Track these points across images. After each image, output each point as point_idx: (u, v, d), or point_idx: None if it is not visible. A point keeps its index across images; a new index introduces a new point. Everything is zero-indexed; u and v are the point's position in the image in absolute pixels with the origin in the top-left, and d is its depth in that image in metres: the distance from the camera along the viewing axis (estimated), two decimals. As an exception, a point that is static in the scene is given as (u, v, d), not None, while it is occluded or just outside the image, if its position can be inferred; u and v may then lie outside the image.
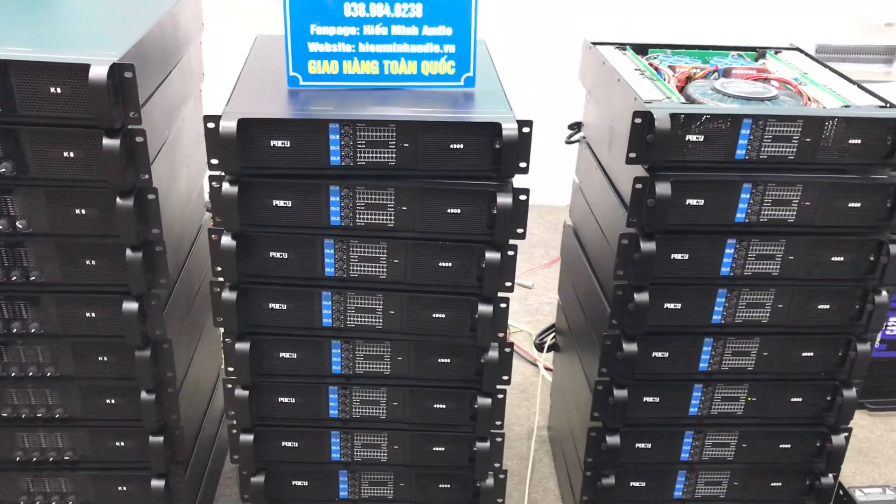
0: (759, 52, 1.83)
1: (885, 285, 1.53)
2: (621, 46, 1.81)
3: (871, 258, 1.52)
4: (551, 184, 2.88)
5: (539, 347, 2.44)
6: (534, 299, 2.96)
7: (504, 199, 1.37)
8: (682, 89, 1.62)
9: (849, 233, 1.51)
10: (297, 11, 1.41)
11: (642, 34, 3.03)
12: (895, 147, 1.45)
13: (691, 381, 1.62)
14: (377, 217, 1.41)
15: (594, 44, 1.81)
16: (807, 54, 1.81)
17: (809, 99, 1.58)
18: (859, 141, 1.45)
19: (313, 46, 1.43)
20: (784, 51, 1.84)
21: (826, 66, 1.73)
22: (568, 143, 1.97)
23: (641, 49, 1.81)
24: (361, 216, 1.41)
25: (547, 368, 2.42)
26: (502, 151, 1.35)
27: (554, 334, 2.20)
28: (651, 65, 1.72)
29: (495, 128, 1.35)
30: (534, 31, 3.38)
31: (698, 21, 3.36)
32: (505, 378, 1.55)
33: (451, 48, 1.46)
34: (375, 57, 1.45)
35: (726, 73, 1.71)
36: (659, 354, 1.59)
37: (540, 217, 3.40)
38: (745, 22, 3.35)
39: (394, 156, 1.37)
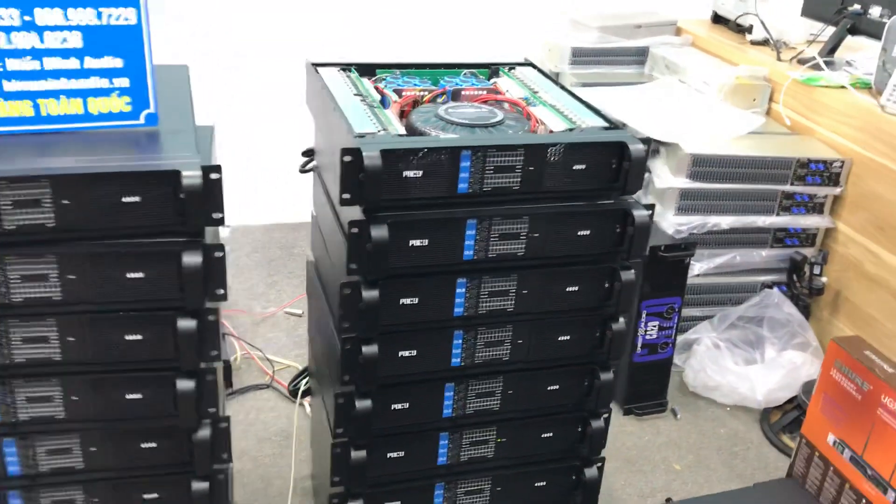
0: (493, 70, 1.74)
1: (621, 312, 1.48)
2: (346, 67, 1.66)
3: (607, 285, 1.46)
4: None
5: (293, 394, 2.25)
6: (304, 330, 2.77)
7: (191, 259, 1.17)
8: (407, 116, 1.49)
9: (581, 262, 1.44)
10: (-86, 44, 1.14)
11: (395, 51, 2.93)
12: (621, 170, 1.39)
13: (436, 431, 1.50)
14: (39, 289, 1.17)
15: (315, 65, 1.64)
16: (539, 70, 1.74)
17: (538, 121, 1.50)
18: (584, 166, 1.38)
19: (-59, 86, 1.16)
20: (518, 67, 1.76)
21: (556, 83, 1.67)
22: (302, 171, 1.80)
23: (368, 70, 1.67)
24: (18, 290, 1.16)
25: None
26: (185, 203, 1.16)
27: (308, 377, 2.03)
28: (377, 88, 1.58)
29: (174, 176, 1.15)
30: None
31: (449, 33, 3.31)
32: (224, 456, 1.35)
33: (123, 82, 1.24)
34: (27, 96, 1.20)
35: (455, 96, 1.60)
36: (399, 406, 1.45)
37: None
38: (500, 31, 3.34)
39: (52, 216, 1.14)
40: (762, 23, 2.98)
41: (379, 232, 1.27)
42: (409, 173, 1.30)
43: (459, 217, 1.34)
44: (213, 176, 1.17)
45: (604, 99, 2.77)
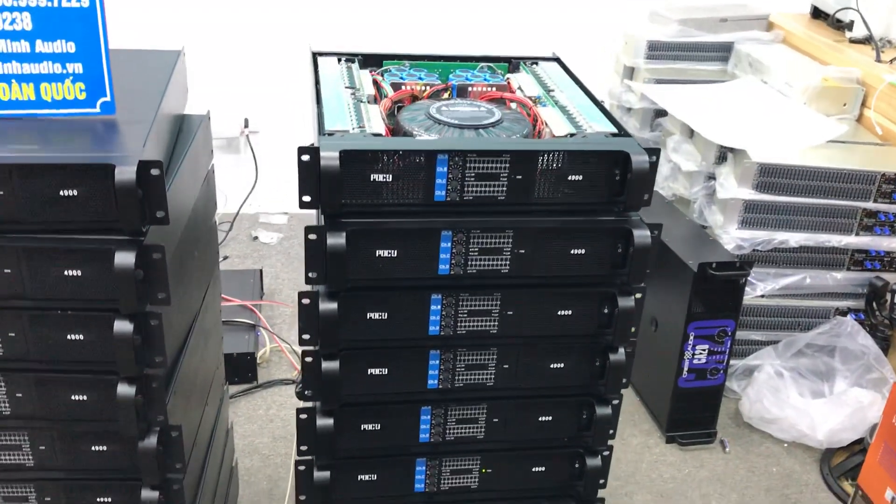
0: (513, 65, 1.60)
1: (620, 342, 1.31)
2: (351, 58, 1.55)
3: (606, 311, 1.31)
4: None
5: (300, 396, 2.17)
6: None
7: (124, 260, 1.09)
8: (398, 112, 1.37)
9: (574, 284, 1.29)
10: None
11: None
12: (625, 183, 1.23)
13: (412, 455, 1.38)
14: (-27, 283, 1.12)
15: (316, 54, 1.55)
16: (563, 66, 1.59)
17: (543, 124, 1.36)
18: (580, 177, 1.23)
19: None
20: (541, 62, 1.61)
21: (577, 82, 1.51)
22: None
23: (376, 60, 1.56)
24: (-47, 282, 1.12)
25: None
26: (118, 200, 1.08)
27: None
28: (376, 81, 1.47)
29: (109, 170, 1.08)
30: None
31: (518, 21, 3.15)
32: (177, 466, 1.28)
33: (77, 67, 1.17)
34: (-24, 80, 1.15)
35: (461, 92, 1.47)
36: (369, 427, 1.34)
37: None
38: (571, 19, 3.16)
39: (-15, 206, 1.09)
40: (862, 18, 2.68)
41: (335, 240, 1.17)
42: (378, 177, 1.19)
43: (432, 227, 1.21)
44: (154, 172, 1.09)
45: (674, 97, 2.56)
